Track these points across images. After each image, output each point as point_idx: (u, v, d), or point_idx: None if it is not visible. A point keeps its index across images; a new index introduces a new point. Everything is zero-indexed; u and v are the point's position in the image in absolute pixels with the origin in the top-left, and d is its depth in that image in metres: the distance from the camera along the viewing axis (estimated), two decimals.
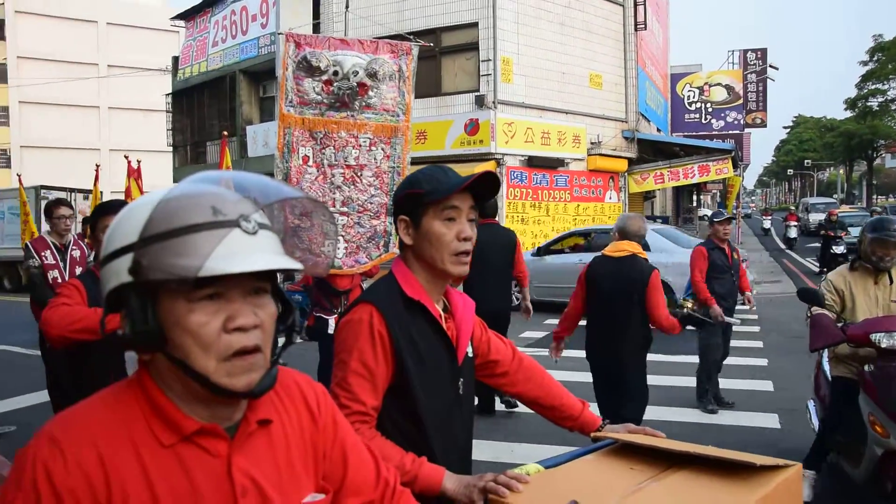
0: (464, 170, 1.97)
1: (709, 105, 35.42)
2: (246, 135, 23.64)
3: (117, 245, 1.05)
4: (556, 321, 5.32)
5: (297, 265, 1.08)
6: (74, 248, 6.00)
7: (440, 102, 19.13)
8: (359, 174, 5.79)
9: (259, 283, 1.09)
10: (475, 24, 18.83)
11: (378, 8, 19.74)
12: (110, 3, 54.19)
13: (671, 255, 11.96)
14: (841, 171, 72.32)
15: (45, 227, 6.33)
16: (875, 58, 53.17)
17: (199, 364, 1.04)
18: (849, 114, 61.00)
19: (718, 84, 35.57)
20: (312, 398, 1.29)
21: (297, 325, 1.19)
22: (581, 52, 20.82)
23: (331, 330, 5.70)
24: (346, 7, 18.59)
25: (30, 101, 51.00)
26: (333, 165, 5.72)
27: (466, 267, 1.89)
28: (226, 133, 7.11)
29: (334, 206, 5.61)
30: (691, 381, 7.41)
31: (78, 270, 5.77)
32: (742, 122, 36.52)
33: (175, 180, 24.18)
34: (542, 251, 14.82)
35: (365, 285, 6.05)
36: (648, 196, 26.70)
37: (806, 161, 75.39)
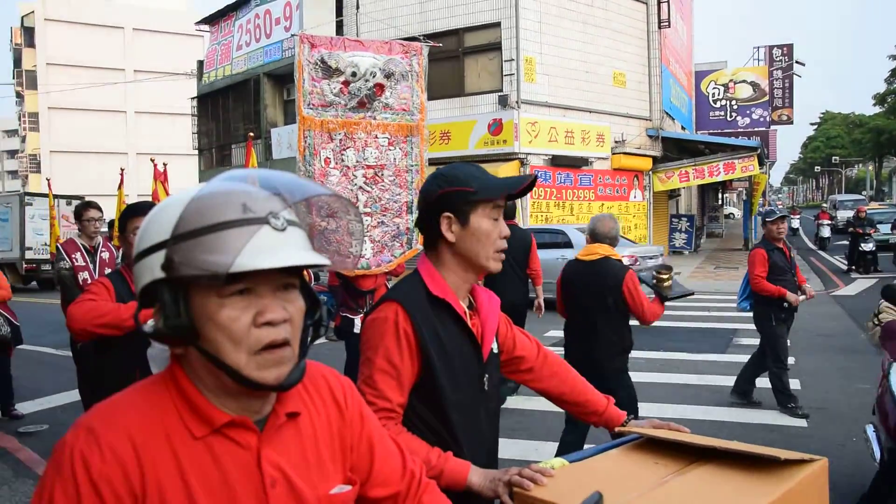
0: (488, 170, 1.99)
1: (734, 102, 35.04)
2: (270, 137, 23.82)
3: (150, 242, 1.07)
4: None
5: (325, 261, 1.10)
6: (104, 249, 6.09)
7: (463, 103, 19.15)
8: (380, 174, 5.84)
9: (288, 278, 1.11)
10: (498, 24, 18.84)
11: (401, 9, 19.81)
12: (136, 10, 54.92)
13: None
14: (870, 168, 71.19)
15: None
16: None
17: (231, 358, 1.06)
18: (878, 109, 60.08)
19: (744, 81, 35.17)
20: (339, 391, 1.32)
21: (324, 319, 1.21)
22: (604, 51, 20.73)
23: (357, 329, 5.74)
24: (357, 7, 18.61)
25: (58, 107, 51.78)
26: (355, 166, 5.77)
27: (500, 264, 1.95)
28: (252, 134, 7.17)
29: (357, 207, 5.66)
30: (713, 379, 7.34)
31: (107, 272, 5.85)
32: (768, 119, 36.08)
33: (200, 183, 24.50)
34: None
35: (390, 284, 6.11)
36: (673, 194, 26.51)
37: (834, 158, 74.33)
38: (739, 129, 34.14)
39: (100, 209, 6.18)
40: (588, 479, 1.69)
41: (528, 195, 18.08)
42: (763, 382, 6.93)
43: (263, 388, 1.11)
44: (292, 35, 22.44)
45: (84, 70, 51.51)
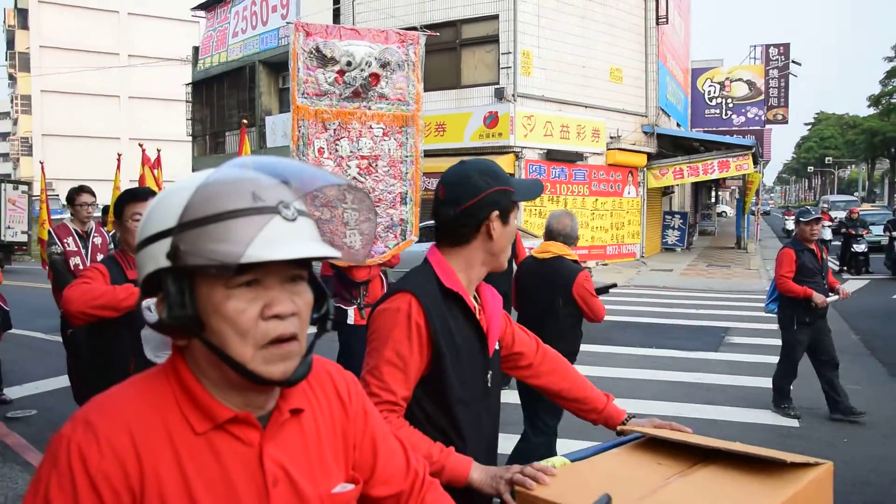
0: None
1: (729, 100, 35.09)
2: (265, 125, 23.73)
3: (154, 230, 1.03)
4: None
5: (335, 252, 1.07)
6: (96, 235, 6.03)
7: (459, 95, 19.12)
8: (374, 164, 5.80)
9: (297, 270, 1.08)
10: (495, 17, 18.80)
11: None
12: None
13: None
14: (863, 169, 71.54)
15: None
16: None
17: (236, 351, 1.03)
18: (872, 111, 60.35)
19: (740, 79, 35.21)
20: (343, 387, 1.29)
21: (331, 312, 1.18)
22: (601, 46, 20.72)
23: (350, 320, 5.73)
24: None
25: (51, 90, 51.48)
26: (349, 156, 5.73)
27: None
28: (245, 122, 7.11)
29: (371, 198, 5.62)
30: (704, 377, 7.33)
31: (99, 257, 5.79)
32: (763, 118, 36.14)
33: (194, 170, 24.33)
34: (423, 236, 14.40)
35: (391, 278, 6.10)
36: (667, 191, 26.57)
37: (827, 158, 74.68)
38: (734, 128, 34.19)
39: (93, 193, 6.10)
40: (590, 478, 1.68)
41: None
42: (765, 382, 6.93)
43: (269, 384, 1.07)
44: (288, 23, 22.46)
45: (78, 53, 51.23)
